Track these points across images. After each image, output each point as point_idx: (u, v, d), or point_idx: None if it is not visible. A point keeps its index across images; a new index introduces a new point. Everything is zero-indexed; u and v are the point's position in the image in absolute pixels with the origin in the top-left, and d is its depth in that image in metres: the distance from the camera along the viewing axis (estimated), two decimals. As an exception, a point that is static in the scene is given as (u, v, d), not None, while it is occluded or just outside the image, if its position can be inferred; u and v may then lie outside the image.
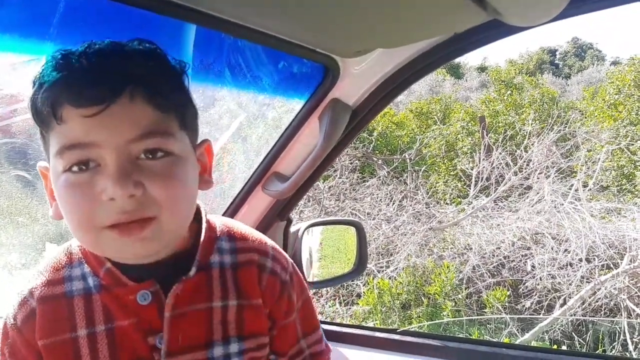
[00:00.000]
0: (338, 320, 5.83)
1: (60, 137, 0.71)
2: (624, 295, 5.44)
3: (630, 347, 4.94)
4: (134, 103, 0.70)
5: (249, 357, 0.84)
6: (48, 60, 0.72)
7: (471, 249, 6.59)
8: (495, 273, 6.46)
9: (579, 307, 5.49)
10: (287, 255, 0.96)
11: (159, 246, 0.76)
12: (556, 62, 42.88)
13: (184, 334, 0.80)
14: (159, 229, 0.73)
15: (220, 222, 0.92)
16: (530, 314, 5.76)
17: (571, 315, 5.41)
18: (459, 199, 8.50)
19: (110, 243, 0.72)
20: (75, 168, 0.71)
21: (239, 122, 1.74)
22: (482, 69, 30.79)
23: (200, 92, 1.31)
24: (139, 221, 0.71)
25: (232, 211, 1.54)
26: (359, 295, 6.44)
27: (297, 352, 0.95)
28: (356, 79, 1.30)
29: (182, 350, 0.79)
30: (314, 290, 5.60)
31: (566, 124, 9.22)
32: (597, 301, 5.50)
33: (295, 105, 1.40)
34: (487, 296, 5.93)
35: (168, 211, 0.73)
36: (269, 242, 0.94)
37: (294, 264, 0.97)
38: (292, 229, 1.66)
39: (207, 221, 0.88)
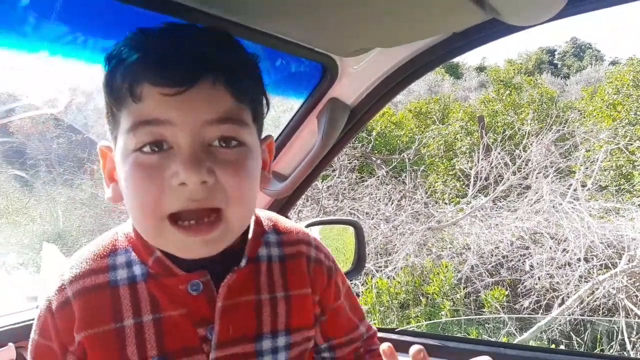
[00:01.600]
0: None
1: (135, 113, 0.69)
2: (622, 294, 5.45)
3: (628, 347, 4.95)
4: (215, 88, 0.69)
5: (294, 351, 0.85)
6: (126, 38, 0.72)
7: (470, 248, 6.59)
8: (493, 273, 6.46)
9: (577, 306, 5.50)
10: (328, 249, 0.98)
11: (223, 247, 0.75)
12: (555, 62, 42.91)
13: (235, 325, 0.79)
14: (226, 227, 0.72)
15: (265, 215, 0.93)
16: (528, 314, 5.77)
17: (569, 315, 5.41)
18: (458, 199, 8.51)
19: (173, 240, 0.71)
20: (147, 148, 0.69)
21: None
22: (481, 69, 30.80)
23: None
24: (207, 214, 0.70)
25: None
26: (357, 295, 6.44)
27: (358, 336, 0.99)
28: (354, 79, 1.29)
29: (232, 341, 0.79)
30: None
31: (565, 123, 9.23)
32: (595, 301, 5.51)
33: (294, 104, 1.40)
34: (486, 296, 5.93)
35: (235, 203, 0.71)
36: (310, 233, 0.96)
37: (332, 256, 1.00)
38: (291, 228, 1.65)
39: (255, 215, 0.89)
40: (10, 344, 1.21)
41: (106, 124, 0.76)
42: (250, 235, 0.85)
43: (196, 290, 0.77)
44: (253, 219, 0.87)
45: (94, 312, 0.76)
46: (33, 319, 1.31)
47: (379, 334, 1.66)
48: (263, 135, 0.85)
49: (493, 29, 1.09)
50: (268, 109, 0.83)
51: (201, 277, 0.78)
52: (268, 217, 0.93)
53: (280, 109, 1.59)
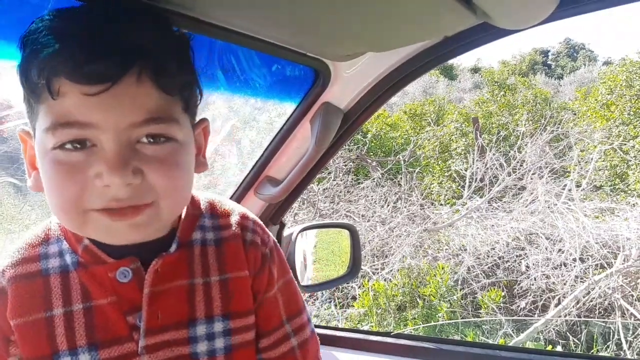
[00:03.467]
0: (333, 323, 5.83)
1: (53, 112, 0.64)
2: (617, 294, 5.46)
3: (625, 347, 4.96)
4: (140, 83, 0.64)
5: (238, 339, 0.82)
6: (43, 20, 0.64)
7: (466, 249, 6.60)
8: (490, 274, 6.47)
9: (573, 306, 5.51)
10: (269, 232, 0.94)
11: (152, 231, 0.73)
12: (549, 62, 43.11)
13: (164, 311, 0.77)
14: (155, 214, 0.69)
15: (205, 198, 0.89)
16: (525, 314, 5.78)
17: (565, 316, 5.42)
18: (453, 200, 8.52)
19: (99, 226, 0.68)
20: (68, 145, 0.65)
21: (231, 126, 1.74)
22: (475, 70, 30.92)
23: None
24: (133, 207, 0.67)
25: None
26: (354, 298, 6.43)
27: (283, 336, 0.90)
28: (347, 83, 1.30)
29: (162, 328, 0.77)
30: (309, 294, 5.60)
31: (559, 124, 9.28)
32: (591, 301, 5.52)
33: (287, 109, 1.40)
34: (482, 297, 5.94)
35: (167, 199, 0.69)
36: (252, 216, 0.92)
37: (277, 243, 0.95)
38: (286, 232, 1.65)
39: (191, 198, 0.85)
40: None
41: (25, 109, 0.71)
42: (182, 220, 0.82)
43: (126, 278, 0.75)
44: (188, 205, 0.84)
45: (25, 301, 0.74)
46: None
47: (375, 338, 1.67)
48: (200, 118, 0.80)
49: (484, 32, 1.10)
50: (201, 96, 0.78)
51: (130, 263, 0.75)
52: (207, 199, 0.89)
53: (274, 113, 1.59)
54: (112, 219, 0.67)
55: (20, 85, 0.67)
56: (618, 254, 5.70)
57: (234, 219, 0.88)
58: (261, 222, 0.94)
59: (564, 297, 5.63)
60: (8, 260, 0.77)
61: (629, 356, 4.92)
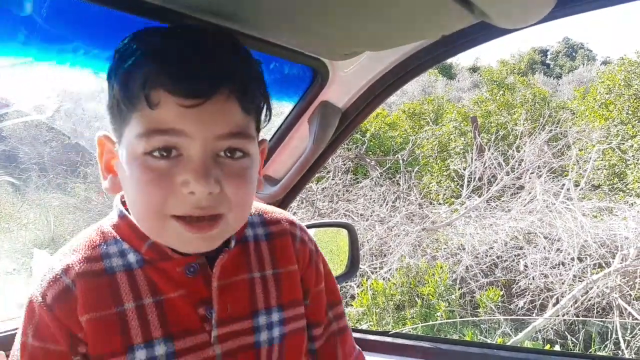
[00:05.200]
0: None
1: (149, 120, 0.70)
2: (616, 293, 5.47)
3: (623, 346, 4.97)
4: (228, 102, 0.72)
5: (289, 328, 0.88)
6: (139, 36, 0.73)
7: (464, 249, 6.60)
8: (488, 273, 6.48)
9: (571, 306, 5.52)
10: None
11: (219, 244, 0.78)
12: (547, 62, 43.12)
13: (232, 303, 0.82)
14: (225, 228, 0.75)
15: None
16: (523, 314, 5.78)
17: (564, 315, 5.43)
18: (452, 200, 8.52)
19: (175, 234, 0.73)
20: (157, 153, 0.71)
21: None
22: (474, 70, 30.92)
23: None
24: (209, 217, 0.72)
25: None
26: (352, 297, 6.44)
27: (327, 323, 0.98)
28: (345, 82, 1.30)
29: (230, 319, 0.82)
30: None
31: (557, 123, 9.27)
32: (589, 300, 5.53)
33: (285, 108, 1.40)
34: (481, 296, 5.94)
35: (236, 210, 0.75)
36: (293, 217, 0.99)
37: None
38: (284, 232, 1.65)
39: None
40: (1, 352, 1.20)
41: (109, 115, 0.76)
42: None
43: (192, 273, 0.80)
44: None
45: (94, 297, 0.76)
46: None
47: (373, 337, 1.67)
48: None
49: (482, 31, 1.10)
50: (270, 119, 0.86)
51: (197, 259, 0.80)
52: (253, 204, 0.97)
53: (272, 112, 1.59)
54: (189, 231, 0.72)
55: (115, 93, 0.72)
56: (616, 253, 5.71)
57: (279, 216, 0.96)
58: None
59: (562, 297, 5.64)
60: (67, 261, 0.79)
61: (627, 356, 4.93)
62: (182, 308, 0.79)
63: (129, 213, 0.80)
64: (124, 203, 0.83)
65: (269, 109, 0.84)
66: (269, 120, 0.85)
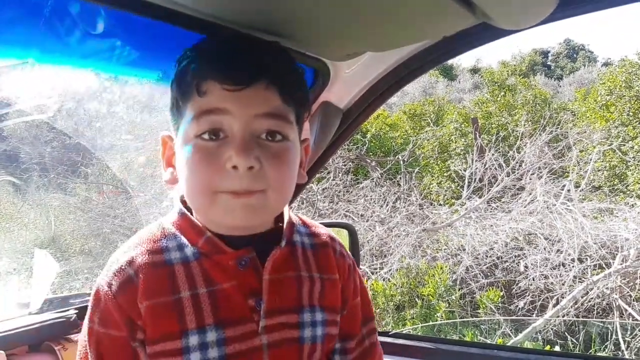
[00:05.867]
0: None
1: (199, 105, 0.80)
2: (616, 294, 5.47)
3: (623, 347, 4.97)
4: (267, 90, 0.81)
5: (327, 331, 0.92)
6: (195, 45, 0.85)
7: (464, 249, 6.60)
8: (488, 274, 6.47)
9: (571, 307, 5.52)
10: None
11: (259, 218, 0.86)
12: (548, 63, 43.10)
13: (280, 296, 0.87)
14: (264, 200, 0.81)
15: (294, 215, 1.02)
16: (523, 315, 5.78)
17: (564, 316, 5.43)
18: (452, 200, 8.52)
19: (223, 206, 0.80)
20: (206, 136, 0.80)
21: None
22: (475, 71, 30.91)
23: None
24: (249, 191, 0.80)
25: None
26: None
27: (361, 338, 1.02)
28: (347, 82, 1.30)
29: (278, 311, 0.87)
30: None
31: (558, 125, 9.28)
32: (589, 301, 5.53)
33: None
34: (481, 297, 5.94)
35: (275, 189, 0.82)
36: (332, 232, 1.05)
37: None
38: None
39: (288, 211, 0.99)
40: (1, 352, 1.20)
41: (170, 116, 0.88)
42: (285, 222, 0.94)
43: (244, 266, 0.86)
44: (286, 215, 0.96)
45: (154, 285, 0.83)
46: (25, 327, 1.30)
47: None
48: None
49: (484, 32, 1.10)
50: (309, 115, 0.96)
51: (248, 253, 0.86)
52: (297, 215, 1.03)
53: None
54: (233, 198, 0.79)
55: (173, 92, 0.85)
56: (616, 254, 5.70)
57: (322, 230, 1.02)
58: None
59: (562, 297, 5.64)
60: (131, 254, 0.86)
61: (627, 356, 4.93)
62: (234, 298, 0.85)
63: (188, 211, 0.89)
64: (183, 202, 0.91)
65: (308, 108, 0.94)
66: (309, 115, 0.96)
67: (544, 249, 6.13)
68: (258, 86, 0.80)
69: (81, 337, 0.87)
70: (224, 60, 0.81)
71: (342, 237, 1.74)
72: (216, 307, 0.83)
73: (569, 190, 6.90)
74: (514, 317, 5.73)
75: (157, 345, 0.82)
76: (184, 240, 0.87)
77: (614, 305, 5.47)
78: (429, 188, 9.41)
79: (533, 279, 5.92)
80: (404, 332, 5.00)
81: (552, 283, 5.83)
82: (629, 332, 5.12)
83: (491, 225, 6.82)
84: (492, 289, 6.04)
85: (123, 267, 0.85)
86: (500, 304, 5.91)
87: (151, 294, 0.82)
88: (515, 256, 6.36)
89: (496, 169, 7.65)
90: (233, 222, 0.84)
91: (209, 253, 0.86)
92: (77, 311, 1.45)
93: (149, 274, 0.83)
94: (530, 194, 7.13)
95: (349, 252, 1.04)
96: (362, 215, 7.36)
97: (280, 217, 0.95)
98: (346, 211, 7.44)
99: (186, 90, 0.82)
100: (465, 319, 5.91)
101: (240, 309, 0.85)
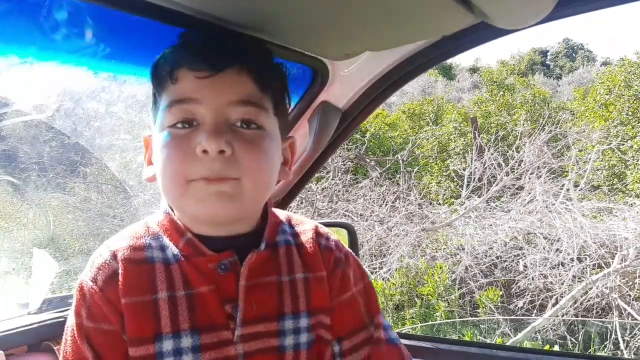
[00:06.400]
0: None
1: (172, 93, 0.80)
2: (615, 294, 5.48)
3: (622, 346, 4.97)
4: (240, 75, 0.80)
5: (316, 334, 0.89)
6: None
7: (464, 249, 6.60)
8: (487, 273, 6.48)
9: (571, 306, 5.52)
10: (340, 241, 1.03)
11: (234, 209, 0.81)
12: (547, 62, 43.10)
13: (258, 304, 0.84)
14: (238, 188, 0.79)
15: (280, 212, 1.01)
16: (522, 314, 5.79)
17: (563, 315, 5.43)
18: (452, 200, 8.52)
19: (195, 195, 0.78)
20: (179, 125, 0.80)
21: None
22: (474, 70, 30.90)
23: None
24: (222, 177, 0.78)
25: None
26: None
27: (367, 338, 0.94)
28: (345, 82, 1.30)
29: (256, 319, 0.84)
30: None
31: (557, 124, 9.29)
32: (588, 300, 5.53)
33: (285, 108, 1.39)
34: (480, 296, 5.94)
35: (250, 178, 0.80)
36: (324, 228, 1.02)
37: (352, 251, 1.03)
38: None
39: (272, 210, 0.96)
40: (1, 352, 1.20)
41: (150, 112, 0.88)
42: (268, 223, 0.91)
43: (224, 270, 0.83)
44: (271, 212, 0.93)
45: (134, 282, 0.81)
46: (24, 326, 1.30)
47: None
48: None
49: (482, 31, 1.10)
50: (290, 103, 0.94)
51: (229, 257, 0.83)
52: (284, 213, 1.01)
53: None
54: (206, 185, 0.77)
55: (151, 85, 0.85)
56: (616, 253, 5.71)
57: (309, 227, 0.99)
58: (332, 233, 1.03)
59: (562, 297, 5.64)
60: (115, 248, 0.85)
61: (626, 356, 4.93)
62: (211, 303, 0.82)
63: (173, 212, 0.87)
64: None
65: (288, 97, 0.92)
66: (290, 104, 0.93)
67: (543, 248, 6.14)
68: (230, 72, 0.80)
69: (65, 337, 0.84)
70: (197, 47, 0.81)
71: (342, 236, 1.74)
72: (193, 311, 0.81)
73: (568, 190, 6.91)
74: (513, 317, 5.74)
75: (131, 348, 0.80)
76: (166, 241, 0.86)
77: (613, 305, 5.48)
78: (428, 187, 9.42)
79: (532, 279, 5.92)
80: (403, 331, 5.00)
81: (551, 282, 5.83)
82: (628, 332, 5.12)
83: (490, 225, 6.83)
84: (492, 288, 6.04)
85: (108, 261, 0.83)
86: (499, 304, 5.92)
87: (130, 290, 0.81)
88: (515, 256, 6.37)
89: (495, 168, 7.66)
90: (206, 211, 0.80)
91: (189, 255, 0.84)
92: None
93: (129, 269, 0.82)
94: (529, 193, 7.13)
95: (342, 245, 1.00)
96: (361, 215, 7.36)
97: (266, 217, 0.92)
98: (345, 211, 7.44)
99: (160, 79, 0.82)
100: (464, 319, 5.91)
101: (216, 315, 0.82)
